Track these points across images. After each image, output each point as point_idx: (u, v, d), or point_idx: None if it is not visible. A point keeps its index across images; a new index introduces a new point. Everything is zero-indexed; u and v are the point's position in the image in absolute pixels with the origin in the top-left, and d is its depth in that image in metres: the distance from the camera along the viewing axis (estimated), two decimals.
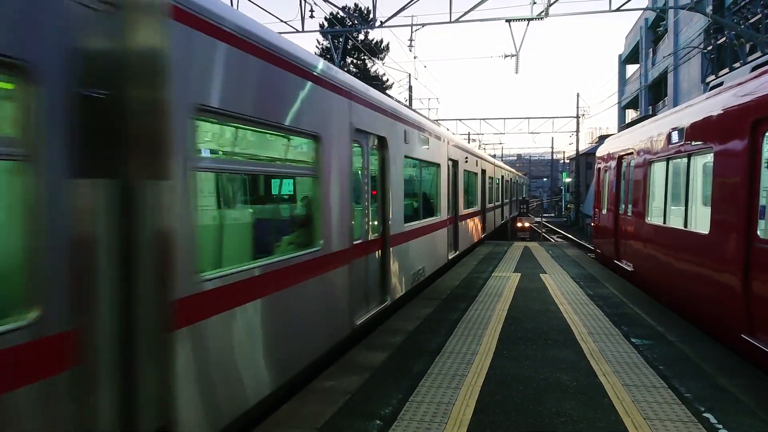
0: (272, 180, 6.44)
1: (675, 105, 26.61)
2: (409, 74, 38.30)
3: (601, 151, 15.96)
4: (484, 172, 20.09)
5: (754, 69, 7.15)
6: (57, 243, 2.79)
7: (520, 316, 8.27)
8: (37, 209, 2.71)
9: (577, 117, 41.70)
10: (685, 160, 8.42)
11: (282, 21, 16.80)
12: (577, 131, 42.83)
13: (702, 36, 24.15)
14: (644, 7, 17.95)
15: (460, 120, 40.97)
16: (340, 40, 20.85)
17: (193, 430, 3.72)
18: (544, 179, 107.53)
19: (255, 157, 5.62)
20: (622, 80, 50.90)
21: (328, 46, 26.12)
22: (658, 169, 9.97)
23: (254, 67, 4.68)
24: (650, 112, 30.56)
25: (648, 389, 5.25)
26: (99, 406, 3.00)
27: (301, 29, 16.47)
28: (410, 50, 19.20)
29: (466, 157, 16.21)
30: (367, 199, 7.52)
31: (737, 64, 17.05)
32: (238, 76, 4.47)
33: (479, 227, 19.32)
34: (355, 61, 44.43)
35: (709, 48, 22.25)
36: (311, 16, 17.74)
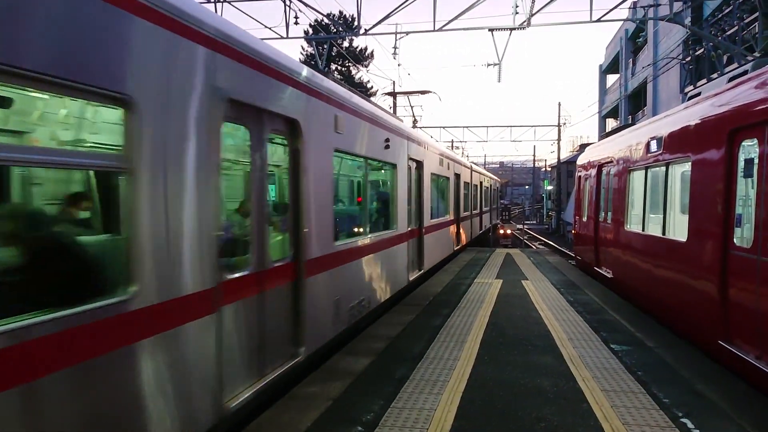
0: None
1: (654, 114, 27.04)
2: (393, 82, 38.52)
3: (581, 160, 16.14)
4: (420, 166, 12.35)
5: (731, 80, 7.30)
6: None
7: (502, 322, 8.32)
8: None
9: (559, 125, 42.11)
10: (664, 168, 8.56)
11: (266, 27, 16.69)
12: (559, 139, 43.24)
13: (681, 47, 24.59)
14: (624, 18, 18.24)
15: (443, 127, 41.13)
16: (325, 46, 20.88)
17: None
18: (526, 186, 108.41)
19: None
20: (603, 90, 51.57)
21: (313, 52, 26.11)
22: (637, 178, 10.11)
23: None
24: (630, 121, 31.01)
25: (626, 394, 5.31)
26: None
27: (285, 35, 16.47)
28: (394, 58, 19.25)
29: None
30: None
31: (715, 75, 17.38)
32: None
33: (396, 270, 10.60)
34: (339, 68, 44.52)
35: (688, 59, 22.67)
36: (296, 23, 17.64)
